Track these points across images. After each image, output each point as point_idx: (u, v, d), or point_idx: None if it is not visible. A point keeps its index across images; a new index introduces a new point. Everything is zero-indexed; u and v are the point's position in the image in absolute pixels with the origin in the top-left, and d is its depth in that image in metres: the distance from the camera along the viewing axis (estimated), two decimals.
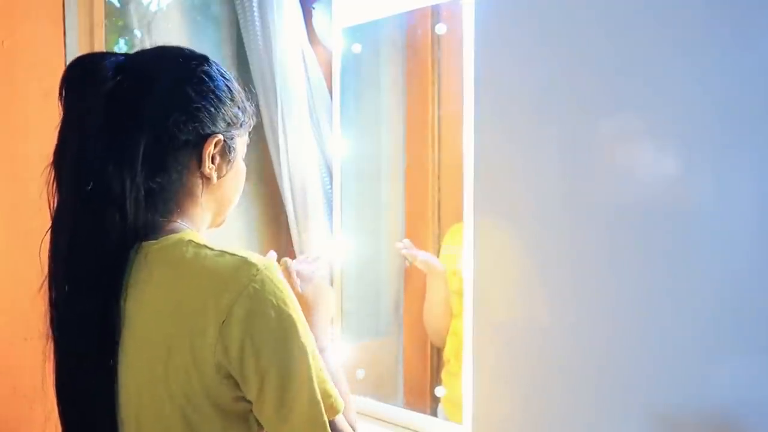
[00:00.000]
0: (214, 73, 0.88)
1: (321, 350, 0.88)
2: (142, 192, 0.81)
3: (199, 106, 0.85)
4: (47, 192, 0.82)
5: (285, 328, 0.77)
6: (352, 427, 0.85)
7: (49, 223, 0.83)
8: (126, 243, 0.80)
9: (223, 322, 0.75)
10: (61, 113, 0.83)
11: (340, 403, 0.81)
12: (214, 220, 0.92)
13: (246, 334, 0.75)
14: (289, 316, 0.78)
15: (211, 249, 0.80)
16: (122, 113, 0.81)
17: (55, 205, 0.83)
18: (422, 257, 1.55)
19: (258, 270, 0.77)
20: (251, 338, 0.75)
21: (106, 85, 0.81)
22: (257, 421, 0.81)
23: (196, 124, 0.85)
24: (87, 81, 0.82)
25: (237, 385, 0.78)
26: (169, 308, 0.78)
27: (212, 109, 0.86)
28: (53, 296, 0.82)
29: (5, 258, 1.37)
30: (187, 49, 0.90)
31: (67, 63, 0.86)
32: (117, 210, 0.79)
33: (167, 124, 0.83)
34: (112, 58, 0.85)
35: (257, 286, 0.76)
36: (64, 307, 0.82)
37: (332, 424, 0.80)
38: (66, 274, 0.81)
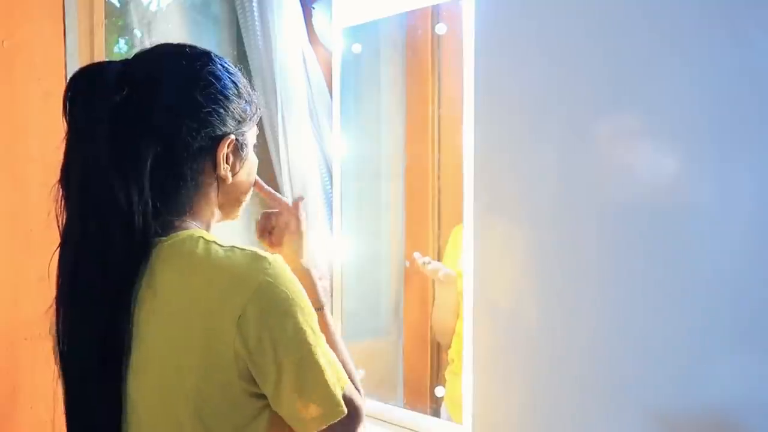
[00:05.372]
0: (219, 72, 0.86)
1: (320, 308, 0.94)
2: (150, 205, 0.80)
3: (210, 110, 0.84)
4: (55, 210, 0.82)
5: (297, 318, 0.79)
6: (357, 388, 0.87)
7: (55, 234, 0.83)
8: (133, 257, 0.80)
9: (240, 316, 0.76)
10: (66, 128, 0.82)
11: (344, 378, 0.84)
12: (226, 214, 0.92)
13: (263, 327, 0.76)
14: (300, 306, 0.80)
15: (221, 245, 0.81)
16: (130, 126, 0.80)
17: (64, 222, 0.82)
18: (443, 271, 1.54)
19: (270, 263, 0.79)
20: (269, 331, 0.77)
21: (111, 99, 0.80)
22: (268, 419, 0.81)
23: (208, 129, 0.84)
24: (92, 95, 0.81)
25: (252, 380, 0.78)
26: (182, 305, 0.78)
27: (222, 111, 0.85)
28: (60, 313, 0.82)
29: (5, 258, 1.37)
30: (188, 48, 0.88)
31: (67, 65, 0.85)
32: (124, 226, 0.79)
33: (179, 133, 0.82)
34: (114, 67, 0.83)
35: (271, 280, 0.78)
36: (71, 324, 0.81)
37: (343, 396, 0.82)
38: (72, 291, 0.81)
